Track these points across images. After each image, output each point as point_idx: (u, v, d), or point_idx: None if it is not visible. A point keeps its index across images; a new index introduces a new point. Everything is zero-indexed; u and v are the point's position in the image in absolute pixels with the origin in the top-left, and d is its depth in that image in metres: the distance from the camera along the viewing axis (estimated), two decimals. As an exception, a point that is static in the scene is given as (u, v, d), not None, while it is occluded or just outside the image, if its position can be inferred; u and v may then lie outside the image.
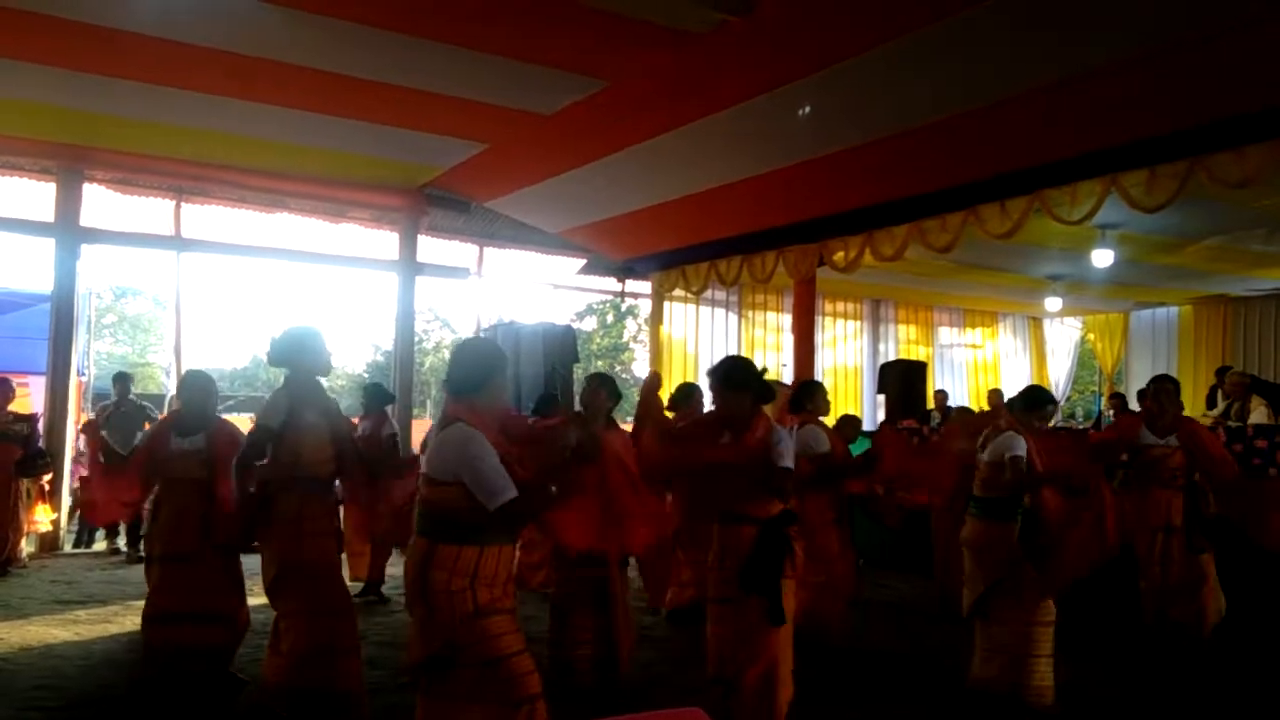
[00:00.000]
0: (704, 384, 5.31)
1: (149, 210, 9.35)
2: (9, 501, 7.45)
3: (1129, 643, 5.52)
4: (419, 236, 10.30)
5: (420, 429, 11.06)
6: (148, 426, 7.35)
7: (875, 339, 14.25)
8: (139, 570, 5.08)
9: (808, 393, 5.73)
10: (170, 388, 11.86)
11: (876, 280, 11.85)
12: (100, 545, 8.88)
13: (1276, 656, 5.34)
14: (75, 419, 9.37)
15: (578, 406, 5.38)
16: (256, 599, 4.34)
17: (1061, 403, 15.86)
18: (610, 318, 31.03)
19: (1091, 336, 15.80)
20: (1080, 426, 13.57)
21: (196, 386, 4.64)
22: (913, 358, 13.35)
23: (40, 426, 7.95)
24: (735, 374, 3.54)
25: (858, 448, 6.20)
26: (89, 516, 5.91)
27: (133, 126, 7.85)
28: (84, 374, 11.29)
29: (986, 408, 11.14)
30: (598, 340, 31.17)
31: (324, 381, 4.21)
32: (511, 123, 7.43)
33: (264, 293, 47.24)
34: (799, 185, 8.14)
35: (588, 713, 3.96)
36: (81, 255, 8.79)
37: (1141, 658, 5.30)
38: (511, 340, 10.02)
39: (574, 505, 3.38)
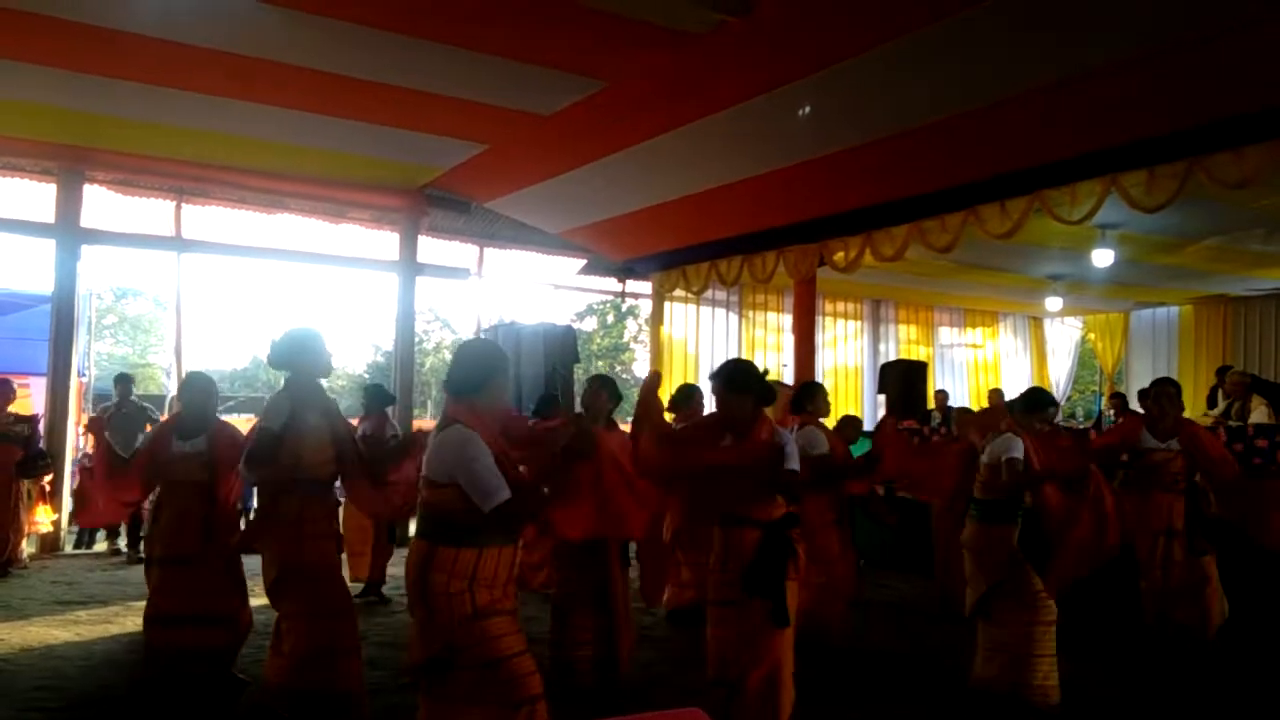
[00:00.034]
0: (704, 385, 5.33)
1: (149, 211, 9.36)
2: (10, 502, 7.47)
3: (1129, 643, 5.52)
4: (419, 237, 10.30)
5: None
6: (149, 428, 7.36)
7: (876, 339, 14.25)
8: (139, 571, 5.09)
9: (808, 394, 5.74)
10: (171, 389, 11.87)
11: (877, 280, 11.85)
12: (101, 546, 8.90)
13: (1278, 657, 5.34)
14: (76, 420, 9.38)
15: (579, 407, 5.39)
16: (258, 600, 4.35)
17: (1062, 403, 15.85)
18: (611, 318, 31.05)
19: (1092, 336, 15.81)
20: (1081, 426, 13.56)
21: (197, 389, 4.65)
22: (913, 358, 13.35)
23: (41, 427, 7.96)
24: (737, 377, 3.54)
25: (858, 449, 6.20)
26: (81, 520, 5.88)
27: (133, 127, 7.85)
28: (84, 375, 11.29)
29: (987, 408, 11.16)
30: (598, 340, 31.18)
31: (324, 382, 4.22)
32: (511, 123, 7.44)
33: (264, 293, 47.33)
34: (799, 185, 8.14)
35: (588, 713, 3.98)
36: (82, 256, 8.80)
37: (1142, 658, 5.30)
38: (512, 341, 10.02)
39: (571, 502, 3.39)
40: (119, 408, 8.30)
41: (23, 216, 8.88)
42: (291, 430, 3.86)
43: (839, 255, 9.19)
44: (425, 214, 10.15)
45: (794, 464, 3.48)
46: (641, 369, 26.24)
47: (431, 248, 10.88)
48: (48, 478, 8.10)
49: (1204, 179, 6.14)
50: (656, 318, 12.18)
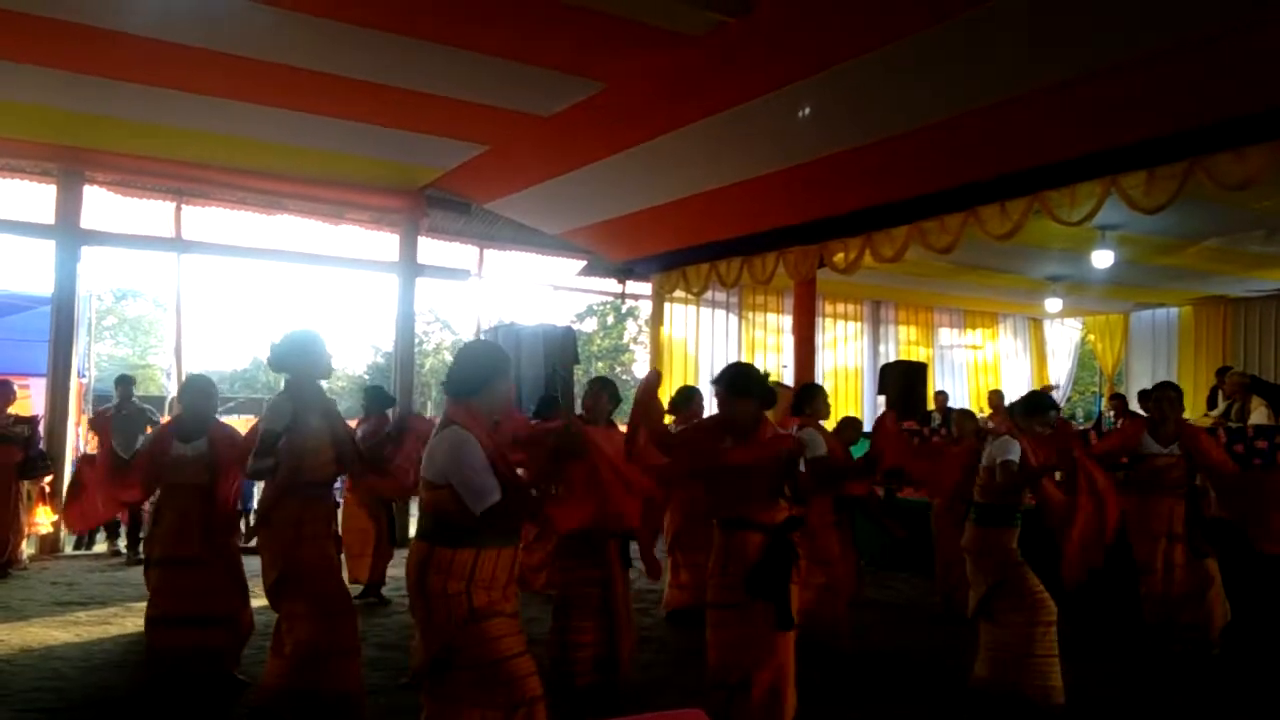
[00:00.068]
0: (704, 386, 5.32)
1: (149, 212, 9.36)
2: (10, 503, 7.46)
3: (1130, 644, 5.52)
4: (419, 238, 10.30)
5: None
6: (149, 430, 7.35)
7: (875, 340, 14.26)
8: (139, 572, 5.09)
9: (808, 396, 5.74)
10: (171, 390, 11.87)
11: (877, 281, 11.85)
12: (101, 547, 8.89)
13: (1278, 658, 5.34)
14: (76, 421, 9.37)
15: (579, 409, 5.39)
16: (259, 600, 4.35)
17: (1062, 404, 15.85)
18: (611, 319, 31.04)
19: (1092, 337, 15.82)
20: (1081, 427, 13.56)
21: (197, 391, 4.66)
22: (913, 359, 13.36)
23: (41, 429, 7.96)
24: (739, 381, 3.54)
25: (858, 450, 6.20)
26: (69, 517, 5.78)
27: (133, 128, 7.85)
28: (84, 376, 11.28)
29: (987, 409, 11.16)
30: (598, 341, 31.18)
31: (324, 384, 4.22)
32: (511, 124, 7.44)
33: (264, 294, 47.27)
34: (799, 187, 8.14)
35: (588, 713, 3.98)
36: (82, 257, 8.79)
37: (1143, 659, 5.30)
38: (512, 342, 10.02)
39: (567, 500, 3.38)
40: (120, 409, 8.27)
41: (23, 217, 8.89)
42: (293, 432, 3.87)
43: (839, 256, 9.19)
44: (425, 215, 10.15)
45: (801, 466, 3.49)
46: (641, 370, 26.24)
47: (431, 249, 10.89)
48: (48, 479, 8.09)
49: (1204, 180, 6.15)
50: (656, 319, 12.19)
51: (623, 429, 4.71)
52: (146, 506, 5.28)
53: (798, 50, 5.83)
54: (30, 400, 9.73)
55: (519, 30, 5.74)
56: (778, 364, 12.33)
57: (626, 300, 13.98)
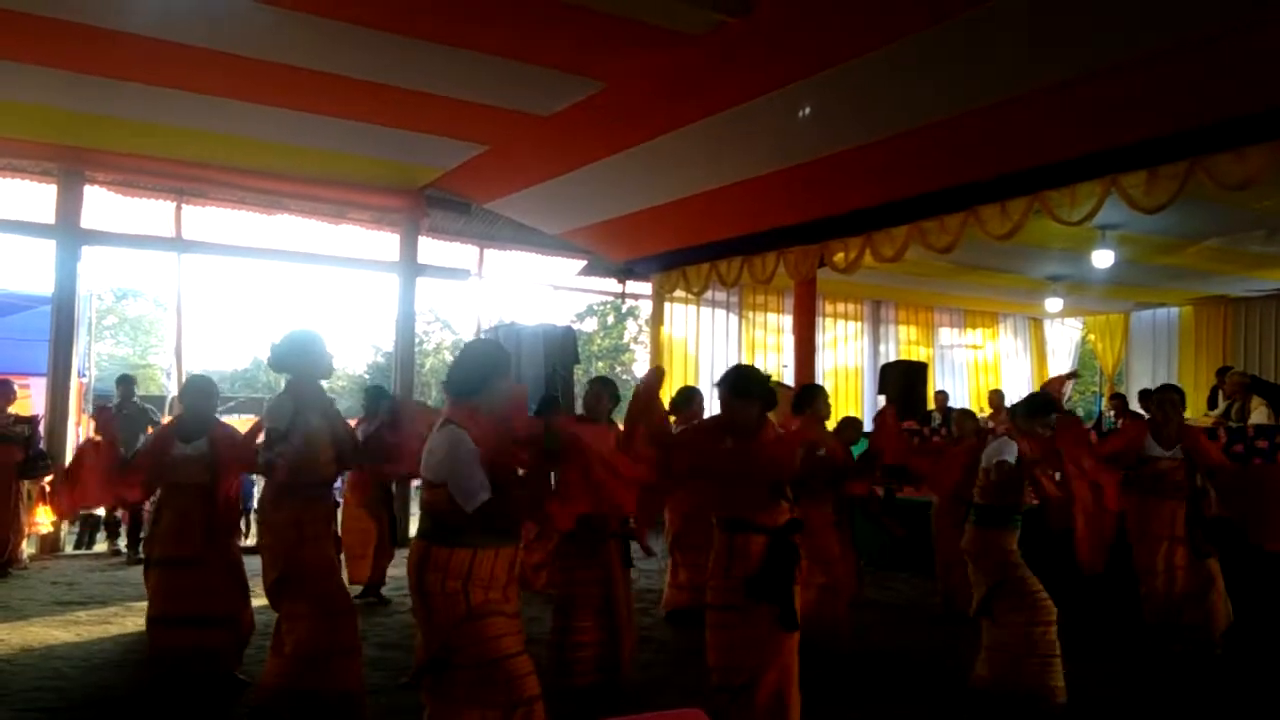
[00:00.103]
0: (704, 386, 5.31)
1: (149, 212, 9.35)
2: (10, 503, 7.47)
3: (1130, 643, 5.52)
4: (419, 238, 10.29)
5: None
6: (150, 430, 7.35)
7: (876, 340, 14.25)
8: (139, 572, 5.09)
9: (808, 397, 5.74)
10: (171, 390, 11.87)
11: (877, 281, 11.85)
12: (101, 547, 8.90)
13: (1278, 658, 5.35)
14: (76, 421, 9.37)
15: (579, 408, 5.39)
16: (259, 600, 4.35)
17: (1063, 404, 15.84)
18: (611, 319, 31.01)
19: (1092, 337, 15.81)
20: (1081, 427, 13.57)
21: (199, 391, 4.67)
22: (913, 358, 13.36)
23: (41, 428, 7.96)
24: (742, 383, 3.55)
25: (859, 449, 6.20)
26: (58, 508, 5.70)
27: (133, 128, 7.85)
28: (85, 376, 11.29)
29: (987, 408, 11.16)
30: (598, 341, 31.16)
31: (324, 384, 4.22)
32: (511, 124, 7.44)
33: (264, 294, 47.25)
34: (799, 186, 8.14)
35: (588, 713, 3.98)
36: (82, 257, 8.79)
37: (1144, 659, 5.30)
38: (512, 341, 10.02)
39: (562, 498, 3.36)
40: (120, 409, 8.28)
41: (23, 217, 8.88)
42: (293, 432, 3.87)
43: (839, 256, 9.19)
44: (425, 215, 10.15)
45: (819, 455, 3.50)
46: (641, 370, 26.23)
47: (432, 248, 10.88)
48: (48, 479, 8.09)
49: (1205, 180, 6.15)
50: (656, 319, 12.19)
51: (622, 429, 4.71)
52: (147, 506, 5.26)
53: (798, 50, 5.83)
54: (30, 400, 9.74)
55: (519, 30, 5.74)
56: (778, 364, 12.34)
57: (626, 300, 13.98)
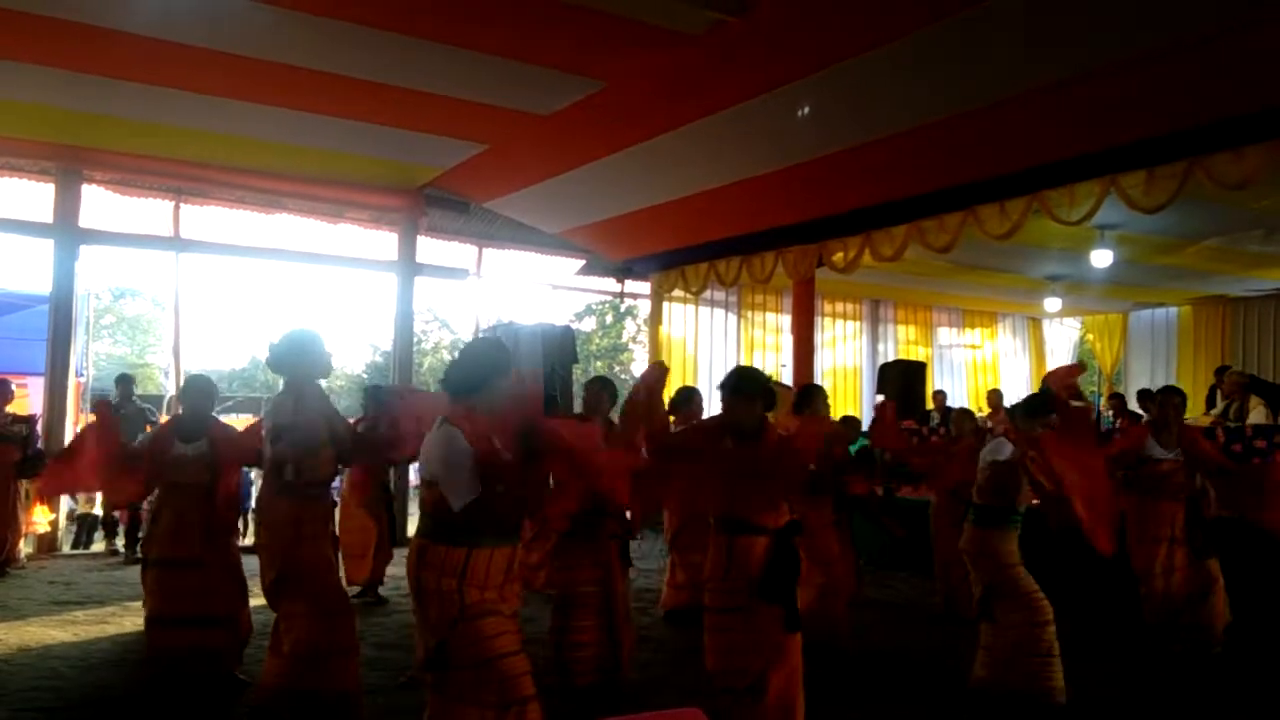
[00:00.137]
0: (703, 385, 5.30)
1: (148, 211, 9.33)
2: (8, 503, 7.45)
3: (1130, 643, 5.52)
4: (418, 237, 10.29)
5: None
6: (148, 429, 7.34)
7: (874, 339, 14.26)
8: (137, 571, 5.08)
9: (807, 397, 5.74)
10: (169, 389, 11.85)
11: (876, 280, 11.85)
12: (99, 546, 8.89)
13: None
14: (74, 420, 9.36)
15: (578, 407, 5.38)
16: (258, 600, 4.35)
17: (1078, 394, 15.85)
18: (609, 318, 31.01)
19: (1091, 337, 15.82)
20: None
21: (198, 391, 4.67)
22: (912, 358, 13.36)
23: (39, 428, 7.95)
24: (744, 384, 3.55)
25: (856, 448, 6.20)
26: (44, 487, 5.61)
27: (132, 127, 7.84)
28: (83, 375, 11.28)
29: (986, 408, 11.17)
30: (597, 341, 31.14)
31: (323, 383, 4.22)
32: (510, 123, 7.43)
33: (263, 293, 47.21)
34: (798, 186, 8.14)
35: (587, 713, 3.98)
36: (80, 256, 8.78)
37: (1144, 659, 5.30)
38: (510, 341, 9.97)
39: (555, 496, 3.35)
40: (119, 408, 8.26)
41: (21, 216, 8.85)
42: (296, 427, 3.86)
43: (838, 256, 9.19)
44: (424, 214, 10.14)
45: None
46: (640, 369, 26.21)
47: (430, 248, 10.86)
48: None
49: (1203, 179, 6.15)
50: (655, 318, 12.18)
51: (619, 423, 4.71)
52: (145, 506, 5.25)
53: (796, 49, 5.83)
54: (28, 399, 9.73)
55: (518, 29, 5.74)
56: (777, 363, 12.33)
57: (625, 299, 13.98)
